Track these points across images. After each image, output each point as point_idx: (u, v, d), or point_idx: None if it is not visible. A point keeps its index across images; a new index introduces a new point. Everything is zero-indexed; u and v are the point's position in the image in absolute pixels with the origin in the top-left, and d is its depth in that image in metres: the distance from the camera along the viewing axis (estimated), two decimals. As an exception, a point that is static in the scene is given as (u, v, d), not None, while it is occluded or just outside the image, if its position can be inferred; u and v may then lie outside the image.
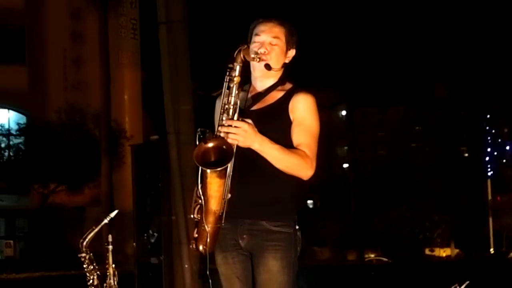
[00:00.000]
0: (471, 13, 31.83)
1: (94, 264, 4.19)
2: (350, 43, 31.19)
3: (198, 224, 3.43)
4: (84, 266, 4.18)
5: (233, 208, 3.42)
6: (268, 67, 3.50)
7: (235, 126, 3.33)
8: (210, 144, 3.33)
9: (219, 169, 3.32)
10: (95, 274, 4.16)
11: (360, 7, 30.85)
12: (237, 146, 3.37)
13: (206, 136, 3.36)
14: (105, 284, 4.15)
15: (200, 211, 3.40)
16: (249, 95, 3.58)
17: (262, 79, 3.58)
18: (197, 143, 3.35)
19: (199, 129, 3.37)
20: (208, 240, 3.40)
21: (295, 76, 3.64)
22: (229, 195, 3.39)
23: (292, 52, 3.62)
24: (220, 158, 3.33)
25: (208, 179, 3.35)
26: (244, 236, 3.50)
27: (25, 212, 28.02)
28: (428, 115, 39.35)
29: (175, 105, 8.62)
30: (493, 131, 39.64)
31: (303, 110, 3.51)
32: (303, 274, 3.63)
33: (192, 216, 3.45)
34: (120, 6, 27.91)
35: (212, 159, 3.34)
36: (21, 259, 26.16)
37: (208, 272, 3.50)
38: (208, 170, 3.33)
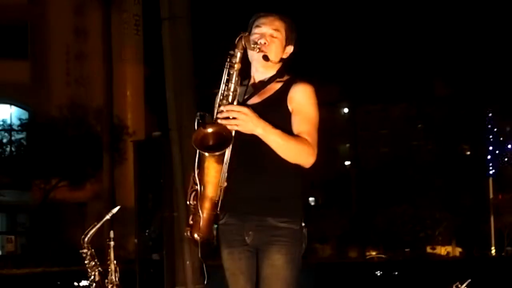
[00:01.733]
0: (474, 11, 31.78)
1: (96, 260, 4.20)
2: (352, 40, 31.14)
3: (194, 211, 3.42)
4: (86, 262, 4.19)
5: (240, 204, 3.43)
6: (266, 58, 3.46)
7: (235, 111, 3.33)
8: (209, 130, 3.34)
9: (217, 153, 3.32)
10: (96, 270, 4.16)
11: (362, 4, 30.80)
12: (242, 138, 3.35)
13: (205, 120, 3.36)
14: (106, 280, 4.16)
15: (196, 197, 3.40)
16: (248, 88, 3.56)
17: (261, 71, 3.57)
18: (196, 128, 3.36)
19: (198, 113, 3.38)
20: (203, 227, 3.39)
21: (297, 73, 3.62)
22: (225, 183, 3.38)
23: (290, 49, 3.61)
24: (219, 143, 3.32)
25: (206, 164, 3.35)
26: (250, 232, 3.49)
27: (26, 207, 28.02)
28: (430, 113, 39.25)
29: (178, 101, 8.61)
30: (495, 129, 39.53)
31: (301, 99, 3.49)
32: (304, 271, 3.61)
33: (188, 202, 3.44)
34: (123, 2, 27.95)
35: (211, 143, 3.34)
36: (22, 255, 26.21)
37: (204, 266, 3.49)
38: (206, 154, 3.32)
